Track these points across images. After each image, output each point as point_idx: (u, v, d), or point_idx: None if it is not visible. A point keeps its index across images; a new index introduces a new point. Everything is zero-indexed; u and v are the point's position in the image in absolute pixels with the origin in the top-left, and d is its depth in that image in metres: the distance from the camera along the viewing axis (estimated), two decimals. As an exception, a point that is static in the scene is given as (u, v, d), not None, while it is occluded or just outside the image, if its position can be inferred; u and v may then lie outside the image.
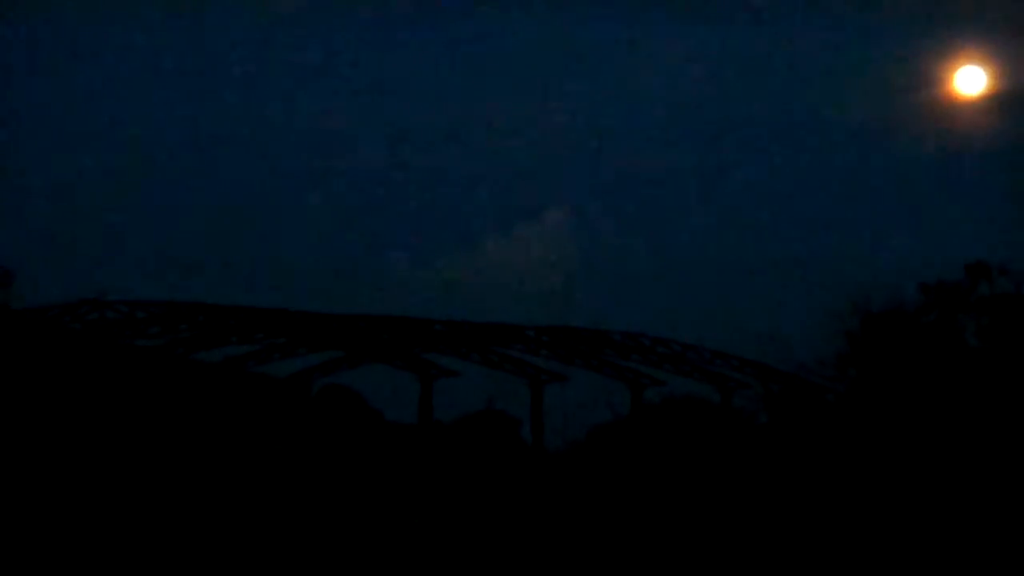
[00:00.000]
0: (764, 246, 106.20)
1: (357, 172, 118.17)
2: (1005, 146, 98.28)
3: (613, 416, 71.48)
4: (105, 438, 50.61)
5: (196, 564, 49.38)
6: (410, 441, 68.28)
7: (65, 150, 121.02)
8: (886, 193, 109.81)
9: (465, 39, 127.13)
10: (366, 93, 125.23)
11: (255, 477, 56.85)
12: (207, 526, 52.15)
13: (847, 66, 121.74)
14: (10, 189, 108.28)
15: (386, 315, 70.95)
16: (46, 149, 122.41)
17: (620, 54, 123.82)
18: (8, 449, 46.72)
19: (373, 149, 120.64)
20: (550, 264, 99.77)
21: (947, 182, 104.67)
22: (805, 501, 54.97)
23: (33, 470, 47.25)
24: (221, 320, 66.80)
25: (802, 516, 54.16)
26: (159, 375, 55.95)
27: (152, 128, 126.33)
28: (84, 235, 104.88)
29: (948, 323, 57.99)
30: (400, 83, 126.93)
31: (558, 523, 59.37)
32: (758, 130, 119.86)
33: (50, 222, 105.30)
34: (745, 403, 69.50)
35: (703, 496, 58.98)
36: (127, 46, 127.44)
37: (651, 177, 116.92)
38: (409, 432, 69.49)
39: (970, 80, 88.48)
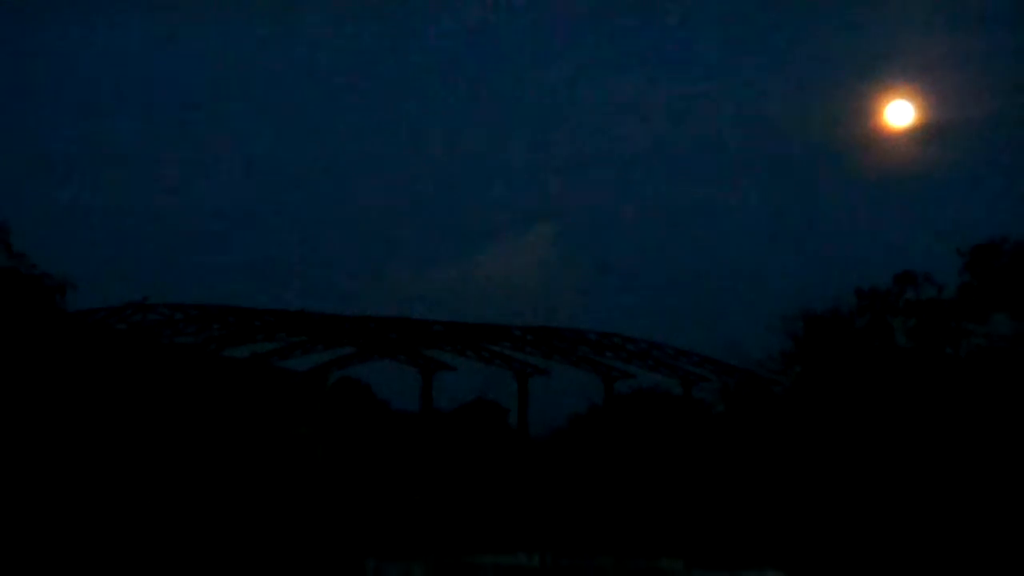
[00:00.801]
0: (721, 258, 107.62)
1: (366, 188, 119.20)
2: (930, 171, 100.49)
3: (589, 406, 73.69)
4: (148, 423, 51.29)
5: (234, 523, 50.87)
6: (413, 427, 68.96)
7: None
8: (826, 212, 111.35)
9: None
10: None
11: (280, 457, 57.85)
12: (237, 497, 53.52)
13: (790, 100, 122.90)
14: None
15: (392, 316, 70.72)
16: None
17: (600, 95, 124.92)
18: (65, 430, 47.19)
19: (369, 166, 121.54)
20: (535, 272, 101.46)
21: (879, 202, 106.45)
22: (755, 478, 56.93)
23: (87, 450, 47.94)
24: (248, 321, 66.39)
25: (752, 491, 56.27)
26: (195, 369, 56.64)
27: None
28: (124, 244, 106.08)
29: (880, 325, 58.56)
30: (411, 98, 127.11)
31: (541, 497, 61.53)
32: (718, 157, 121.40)
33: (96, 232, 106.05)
34: (704, 395, 70.04)
35: (667, 474, 60.88)
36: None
37: (625, 197, 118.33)
38: (412, 419, 70.15)
39: (900, 113, 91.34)
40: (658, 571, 41.45)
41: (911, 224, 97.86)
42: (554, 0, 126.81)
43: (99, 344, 54.06)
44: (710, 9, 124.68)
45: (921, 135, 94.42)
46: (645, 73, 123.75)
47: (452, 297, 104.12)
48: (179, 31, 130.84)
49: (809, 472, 54.94)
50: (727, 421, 65.63)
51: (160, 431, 52.47)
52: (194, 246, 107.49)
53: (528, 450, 70.53)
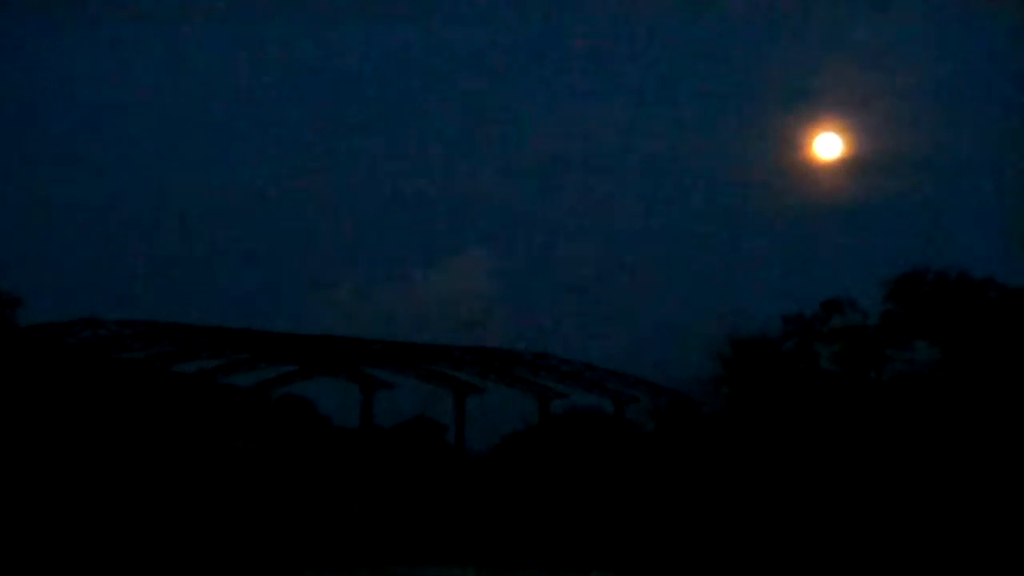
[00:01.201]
0: (652, 283, 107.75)
1: (302, 215, 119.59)
2: (857, 203, 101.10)
3: (524, 424, 72.96)
4: (96, 437, 51.52)
5: (177, 535, 50.80)
6: (353, 443, 68.57)
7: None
8: (756, 239, 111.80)
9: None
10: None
11: (224, 471, 57.34)
12: (180, 509, 52.87)
13: (725, 134, 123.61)
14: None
15: (333, 335, 70.96)
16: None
17: (535, 118, 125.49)
18: (11, 447, 47.77)
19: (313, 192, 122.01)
20: (472, 293, 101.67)
21: (807, 230, 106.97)
22: (683, 495, 56.51)
23: (33, 465, 48.28)
24: (195, 338, 66.30)
25: (680, 507, 55.71)
26: (143, 385, 56.55)
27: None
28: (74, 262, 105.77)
29: (806, 349, 59.12)
30: (350, 120, 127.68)
31: (476, 512, 60.46)
32: (651, 183, 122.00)
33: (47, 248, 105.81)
34: (635, 414, 70.19)
35: (600, 491, 60.29)
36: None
37: (560, 223, 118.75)
38: (353, 435, 69.85)
39: (828, 145, 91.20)
40: None
41: (838, 253, 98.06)
42: (492, 24, 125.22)
43: (50, 359, 54.31)
44: (653, 38, 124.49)
45: (848, 167, 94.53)
46: (587, 100, 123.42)
47: (392, 317, 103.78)
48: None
49: (735, 489, 55.01)
50: (658, 440, 65.47)
51: (109, 444, 52.50)
52: (138, 262, 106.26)
53: (464, 467, 70.30)
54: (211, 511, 55.39)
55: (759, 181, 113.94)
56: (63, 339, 60.64)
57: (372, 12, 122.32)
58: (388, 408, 71.23)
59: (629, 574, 45.87)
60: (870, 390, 57.43)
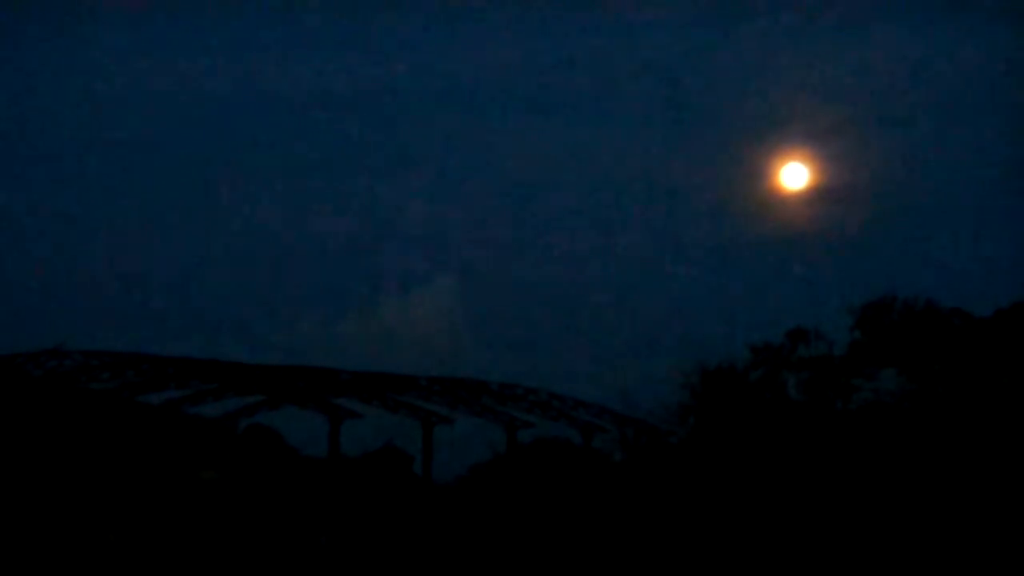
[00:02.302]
0: (620, 313, 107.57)
1: (269, 245, 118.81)
2: (823, 232, 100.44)
3: (492, 454, 71.59)
4: (62, 469, 50.82)
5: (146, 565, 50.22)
6: (320, 473, 67.92)
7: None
8: (725, 267, 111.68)
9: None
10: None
11: (190, 500, 56.34)
12: (147, 539, 52.07)
13: (691, 164, 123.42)
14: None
15: (301, 365, 71.37)
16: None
17: (501, 146, 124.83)
18: None
19: (282, 221, 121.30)
20: (438, 323, 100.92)
21: (774, 259, 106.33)
22: (650, 526, 55.16)
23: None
24: (162, 368, 66.37)
25: (648, 538, 54.43)
26: (109, 414, 56.40)
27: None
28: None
29: (772, 379, 58.23)
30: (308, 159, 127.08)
31: (443, 541, 59.55)
32: (619, 213, 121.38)
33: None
34: (603, 444, 69.51)
35: (567, 521, 58.82)
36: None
37: (529, 252, 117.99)
38: (320, 465, 69.26)
39: (794, 175, 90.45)
40: None
41: (805, 282, 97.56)
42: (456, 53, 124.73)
43: (15, 389, 54.28)
44: (620, 68, 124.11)
45: (814, 197, 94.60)
46: (558, 128, 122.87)
47: (359, 348, 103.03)
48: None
49: (704, 518, 53.68)
50: (625, 469, 64.19)
51: (74, 475, 51.56)
52: (103, 291, 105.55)
53: (432, 497, 69.57)
54: (178, 541, 53.96)
55: (727, 211, 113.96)
56: (28, 369, 60.55)
57: (343, 44, 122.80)
58: (355, 438, 70.85)
59: None
60: (836, 419, 56.24)
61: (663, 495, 56.78)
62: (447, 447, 72.79)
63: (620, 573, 52.31)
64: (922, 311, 56.66)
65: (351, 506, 64.40)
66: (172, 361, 67.18)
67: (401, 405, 71.87)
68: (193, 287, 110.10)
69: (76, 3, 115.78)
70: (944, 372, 55.31)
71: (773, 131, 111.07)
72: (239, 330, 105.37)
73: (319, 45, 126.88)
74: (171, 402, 65.26)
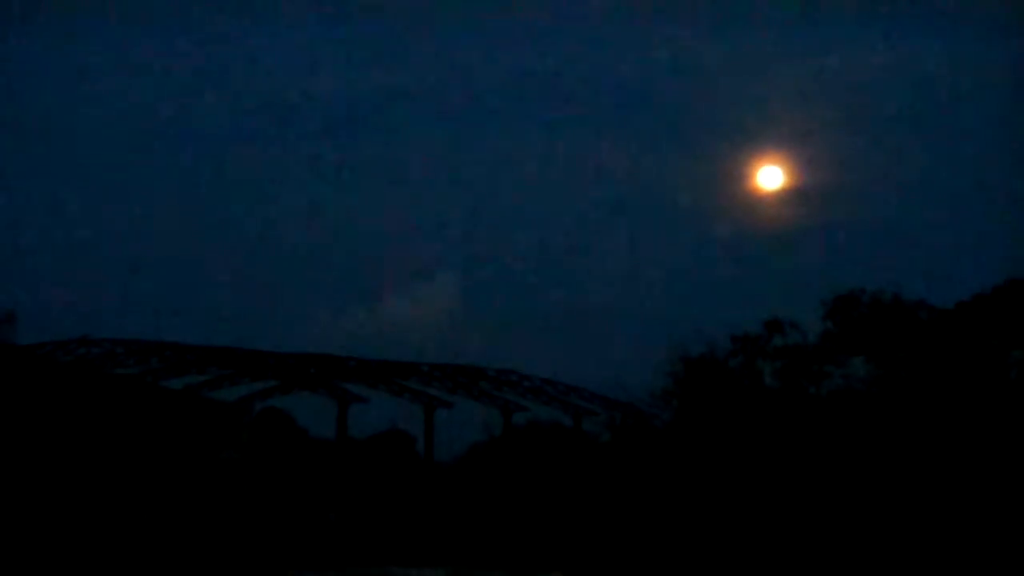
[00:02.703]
0: (609, 305, 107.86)
1: (281, 242, 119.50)
2: (797, 229, 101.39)
3: (489, 435, 73.30)
4: (90, 448, 50.59)
5: (167, 540, 50.52)
6: (329, 453, 69.29)
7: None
8: (707, 263, 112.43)
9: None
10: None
11: (209, 479, 56.53)
12: (170, 515, 52.24)
13: (672, 165, 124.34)
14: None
15: (311, 353, 71.39)
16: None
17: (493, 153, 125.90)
18: (11, 457, 46.89)
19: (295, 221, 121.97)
20: (440, 314, 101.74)
21: (752, 255, 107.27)
22: (636, 501, 55.76)
23: (31, 476, 47.51)
24: (182, 355, 66.71)
25: (632, 510, 55.30)
26: (133, 399, 55.74)
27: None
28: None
29: (750, 366, 57.95)
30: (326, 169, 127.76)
31: (444, 517, 61.70)
32: (607, 215, 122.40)
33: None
34: (592, 427, 69.40)
35: (559, 497, 60.20)
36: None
37: (524, 249, 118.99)
38: (329, 446, 70.45)
39: (770, 177, 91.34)
40: None
41: (780, 276, 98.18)
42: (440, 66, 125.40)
43: (47, 375, 53.18)
44: (602, 78, 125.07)
45: (789, 197, 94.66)
46: (555, 135, 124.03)
47: (365, 336, 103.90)
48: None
49: (686, 495, 54.15)
50: (613, 450, 64.49)
51: (102, 455, 51.36)
52: (129, 285, 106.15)
53: (433, 475, 70.51)
54: (198, 516, 54.58)
55: (707, 212, 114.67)
56: (59, 356, 60.61)
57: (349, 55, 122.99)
58: (362, 421, 71.82)
59: (590, 572, 45.99)
60: (809, 404, 56.16)
61: (647, 474, 57.28)
62: (447, 429, 73.02)
63: (609, 544, 53.01)
64: (889, 303, 56.35)
65: (358, 484, 66.12)
66: (192, 349, 67.54)
67: (404, 390, 72.09)
68: (212, 282, 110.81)
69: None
70: (909, 360, 55.03)
71: (750, 137, 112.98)
72: (255, 321, 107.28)
73: (342, 55, 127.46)
74: (191, 387, 65.61)
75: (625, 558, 50.28)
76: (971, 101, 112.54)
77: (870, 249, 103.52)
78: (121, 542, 48.85)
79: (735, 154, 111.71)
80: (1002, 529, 45.82)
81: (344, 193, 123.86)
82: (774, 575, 46.92)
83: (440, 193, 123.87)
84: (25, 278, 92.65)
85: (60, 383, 53.08)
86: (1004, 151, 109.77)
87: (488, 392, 73.22)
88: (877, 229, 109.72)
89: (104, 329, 66.39)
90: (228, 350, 69.04)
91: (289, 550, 53.54)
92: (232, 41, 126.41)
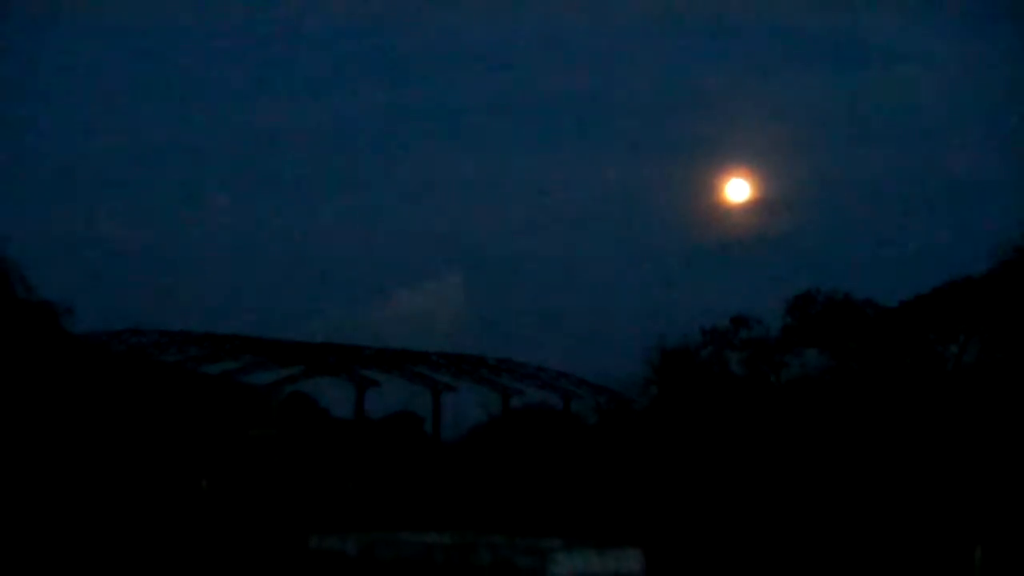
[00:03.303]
0: (594, 300, 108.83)
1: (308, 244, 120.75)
2: (761, 236, 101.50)
3: (489, 417, 73.81)
4: (138, 427, 52.68)
5: (207, 508, 51.45)
6: (348, 432, 68.42)
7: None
8: (679, 266, 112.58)
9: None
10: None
11: (241, 455, 58.80)
12: (208, 487, 53.88)
13: (650, 179, 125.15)
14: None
15: (332, 343, 71.98)
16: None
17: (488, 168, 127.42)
18: (69, 436, 48.54)
19: (321, 224, 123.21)
20: (446, 309, 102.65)
21: (721, 260, 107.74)
22: (619, 475, 58.10)
23: (86, 450, 49.26)
24: (220, 344, 66.80)
25: (617, 486, 57.09)
26: (176, 383, 58.15)
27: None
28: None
29: (719, 356, 60.80)
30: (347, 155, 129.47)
31: (449, 488, 61.78)
32: (592, 223, 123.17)
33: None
34: (580, 409, 71.20)
35: (551, 471, 61.76)
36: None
37: (519, 252, 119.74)
38: (347, 426, 69.53)
39: (737, 189, 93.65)
40: (538, 547, 39.86)
41: (746, 278, 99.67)
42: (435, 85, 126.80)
43: (101, 361, 55.17)
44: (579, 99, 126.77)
45: (755, 207, 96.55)
46: (545, 149, 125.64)
47: (380, 328, 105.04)
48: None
49: (662, 470, 56.14)
50: (598, 431, 67.07)
51: (150, 431, 53.51)
52: (174, 281, 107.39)
53: (440, 452, 70.99)
54: (232, 487, 56.30)
55: (681, 220, 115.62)
56: (111, 345, 60.85)
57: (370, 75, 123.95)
58: (376, 403, 71.27)
59: (578, 536, 44.42)
60: (770, 390, 58.88)
61: (628, 451, 59.81)
62: (452, 411, 72.84)
63: (594, 512, 53.67)
64: (841, 302, 58.76)
65: (373, 459, 66.27)
66: (228, 338, 67.94)
67: (414, 375, 71.71)
68: (245, 278, 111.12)
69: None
70: (858, 351, 57.70)
71: (718, 152, 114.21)
72: (283, 313, 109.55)
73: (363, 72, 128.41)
74: (226, 372, 65.44)
75: (609, 523, 50.29)
76: (913, 122, 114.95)
77: (826, 254, 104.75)
78: (165, 506, 49.99)
79: (706, 168, 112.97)
80: (935, 499, 47.26)
81: (365, 199, 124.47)
82: (739, 537, 47.36)
83: (446, 201, 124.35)
84: (81, 272, 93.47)
85: (112, 369, 54.93)
86: (944, 168, 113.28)
87: (488, 378, 73.25)
88: (832, 236, 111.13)
89: (152, 321, 67.76)
90: (259, 340, 69.58)
91: (312, 516, 52.90)
92: (272, 55, 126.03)
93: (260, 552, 44.16)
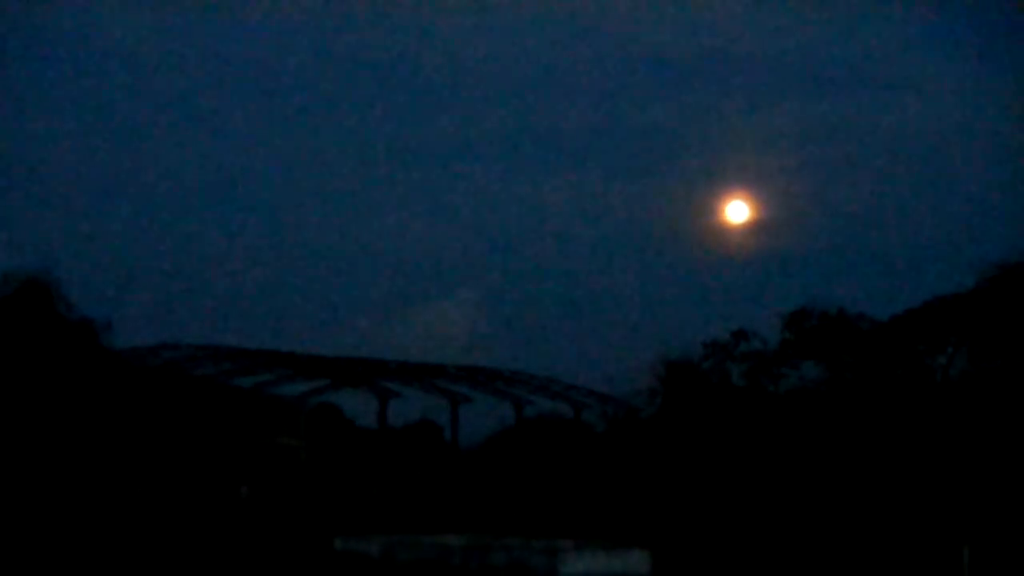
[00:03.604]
0: (603, 315, 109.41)
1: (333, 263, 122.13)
2: (760, 254, 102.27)
3: (503, 426, 73.61)
4: (174, 435, 53.52)
5: (236, 513, 53.06)
6: (371, 440, 69.08)
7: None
8: (686, 285, 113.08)
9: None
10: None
11: (271, 462, 59.71)
12: (241, 490, 55.90)
13: (654, 199, 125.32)
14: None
15: (356, 357, 72.56)
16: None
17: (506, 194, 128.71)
18: (109, 443, 49.65)
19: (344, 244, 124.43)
20: (463, 325, 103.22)
21: (723, 277, 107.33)
22: (627, 480, 58.39)
23: (126, 459, 50.29)
24: (251, 359, 67.13)
25: (625, 490, 57.59)
26: (210, 395, 58.80)
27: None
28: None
29: (721, 368, 60.58)
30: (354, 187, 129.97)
31: (466, 493, 62.73)
32: (601, 244, 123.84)
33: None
34: (589, 418, 71.44)
35: (562, 477, 62.04)
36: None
37: (532, 272, 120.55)
38: (370, 435, 70.07)
39: (737, 211, 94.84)
40: (550, 548, 41.78)
41: (746, 294, 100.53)
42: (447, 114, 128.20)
43: (138, 375, 56.21)
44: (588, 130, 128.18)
45: (754, 227, 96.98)
46: (558, 173, 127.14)
47: (401, 342, 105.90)
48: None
49: (667, 476, 56.71)
50: (607, 438, 67.15)
51: (183, 440, 54.48)
52: (206, 299, 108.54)
53: (457, 459, 71.38)
54: (263, 491, 57.70)
55: (684, 240, 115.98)
56: (147, 359, 61.30)
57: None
58: (398, 413, 71.76)
59: (588, 538, 46.42)
60: (769, 400, 58.99)
61: (635, 457, 60.05)
62: (469, 420, 73.06)
63: (603, 514, 54.59)
64: (835, 316, 58.80)
65: (395, 466, 66.70)
66: (258, 353, 68.32)
67: (433, 387, 72.18)
68: (276, 296, 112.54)
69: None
70: (852, 363, 57.77)
71: (719, 176, 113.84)
72: (310, 329, 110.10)
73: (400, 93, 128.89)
74: (257, 385, 65.61)
75: (617, 526, 51.41)
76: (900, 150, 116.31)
77: (822, 271, 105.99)
78: (201, 508, 51.43)
79: (707, 191, 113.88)
80: (926, 502, 48.19)
81: (388, 222, 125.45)
82: (740, 538, 48.20)
83: (464, 223, 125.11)
84: (118, 290, 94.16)
85: (149, 382, 55.80)
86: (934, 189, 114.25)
87: (503, 389, 73.50)
88: (828, 254, 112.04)
89: (186, 336, 68.49)
90: (288, 354, 69.95)
91: (338, 519, 53.99)
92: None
93: (290, 552, 45.37)
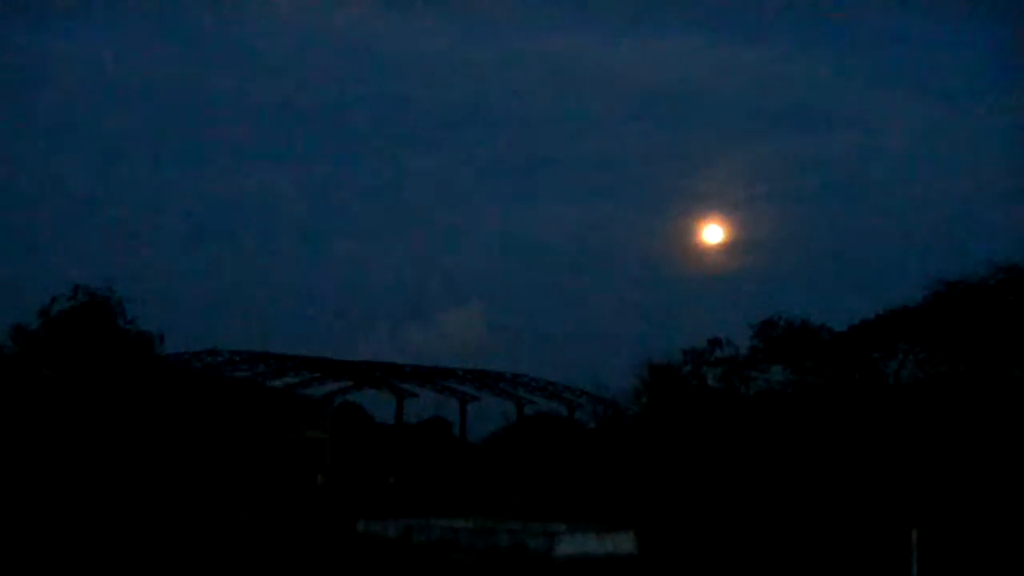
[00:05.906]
0: (593, 326, 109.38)
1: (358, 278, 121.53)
2: (734, 272, 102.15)
3: (506, 423, 74.19)
4: (216, 432, 51.57)
5: (272, 500, 51.64)
6: (389, 435, 69.75)
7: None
8: (668, 299, 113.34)
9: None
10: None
11: (301, 454, 58.90)
12: (274, 482, 54.61)
13: (636, 223, 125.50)
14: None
15: (376, 361, 71.90)
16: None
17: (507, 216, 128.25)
18: (158, 437, 47.63)
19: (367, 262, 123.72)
20: (470, 332, 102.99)
21: (699, 293, 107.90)
22: (615, 473, 58.03)
23: (172, 454, 48.44)
24: (283, 362, 66.58)
25: (613, 481, 57.24)
26: (247, 394, 57.85)
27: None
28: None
29: (698, 372, 59.39)
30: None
31: (473, 482, 62.48)
32: (589, 264, 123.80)
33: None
34: (582, 416, 71.32)
35: (558, 469, 62.21)
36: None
37: (532, 285, 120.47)
38: (388, 430, 70.80)
39: (713, 233, 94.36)
40: (547, 531, 41.27)
41: (720, 307, 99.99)
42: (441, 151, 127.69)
43: (183, 377, 54.79)
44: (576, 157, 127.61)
45: (728, 248, 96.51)
46: (556, 200, 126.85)
47: (415, 348, 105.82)
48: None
49: (651, 467, 56.10)
50: (597, 434, 66.55)
51: (222, 437, 52.72)
52: (241, 310, 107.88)
53: (465, 452, 71.50)
54: (292, 481, 56.81)
55: (665, 258, 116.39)
56: (191, 364, 60.84)
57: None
58: (413, 411, 72.10)
59: (581, 522, 45.88)
60: (741, 401, 58.17)
61: (623, 451, 59.55)
62: (476, 418, 73.62)
63: (594, 502, 54.03)
64: (799, 326, 57.82)
65: (410, 457, 67.07)
66: (289, 358, 67.56)
67: (444, 388, 72.02)
68: (305, 307, 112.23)
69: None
70: (815, 368, 56.74)
71: (696, 202, 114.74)
72: (335, 336, 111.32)
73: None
74: (289, 386, 65.50)
75: (607, 511, 50.98)
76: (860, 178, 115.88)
77: (786, 287, 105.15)
78: (236, 493, 50.41)
79: (686, 215, 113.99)
80: (879, 490, 47.36)
81: (404, 243, 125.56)
82: (714, 521, 47.73)
83: (472, 244, 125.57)
84: (166, 300, 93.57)
85: (193, 384, 54.34)
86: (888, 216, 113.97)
87: (506, 390, 73.30)
88: (793, 271, 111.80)
89: (225, 342, 67.35)
90: (316, 359, 69.26)
91: (358, 504, 53.49)
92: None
93: (316, 535, 44.29)
